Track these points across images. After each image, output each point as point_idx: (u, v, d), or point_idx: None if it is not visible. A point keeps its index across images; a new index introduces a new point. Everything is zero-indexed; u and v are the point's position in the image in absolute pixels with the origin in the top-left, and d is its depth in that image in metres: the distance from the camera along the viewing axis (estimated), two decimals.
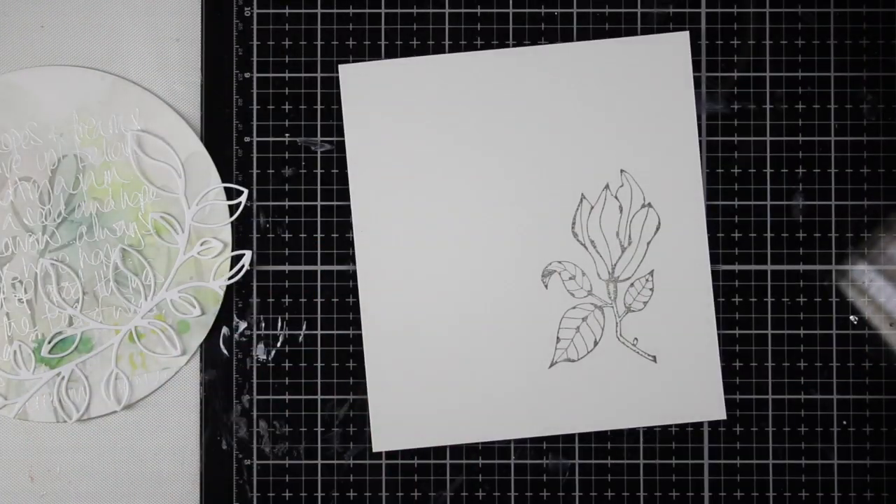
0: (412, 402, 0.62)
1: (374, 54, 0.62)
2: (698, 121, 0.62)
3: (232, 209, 0.61)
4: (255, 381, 0.62)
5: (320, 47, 0.62)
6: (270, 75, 0.62)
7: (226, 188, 0.62)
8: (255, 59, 0.62)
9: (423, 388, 0.62)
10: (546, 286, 0.62)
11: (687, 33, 0.62)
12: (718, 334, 0.62)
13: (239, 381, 0.62)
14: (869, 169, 0.62)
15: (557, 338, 0.62)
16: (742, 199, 0.62)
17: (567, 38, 0.62)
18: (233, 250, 0.62)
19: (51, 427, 0.62)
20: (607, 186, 0.62)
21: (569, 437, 0.62)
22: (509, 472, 0.63)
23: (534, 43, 0.62)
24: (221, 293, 0.61)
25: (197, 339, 0.62)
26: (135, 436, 0.62)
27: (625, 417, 0.62)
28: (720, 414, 0.62)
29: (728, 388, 0.62)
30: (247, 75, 0.62)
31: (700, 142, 0.62)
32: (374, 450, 0.62)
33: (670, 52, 0.62)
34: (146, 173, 0.61)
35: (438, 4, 0.62)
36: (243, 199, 0.61)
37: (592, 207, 0.62)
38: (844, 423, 0.62)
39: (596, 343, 0.62)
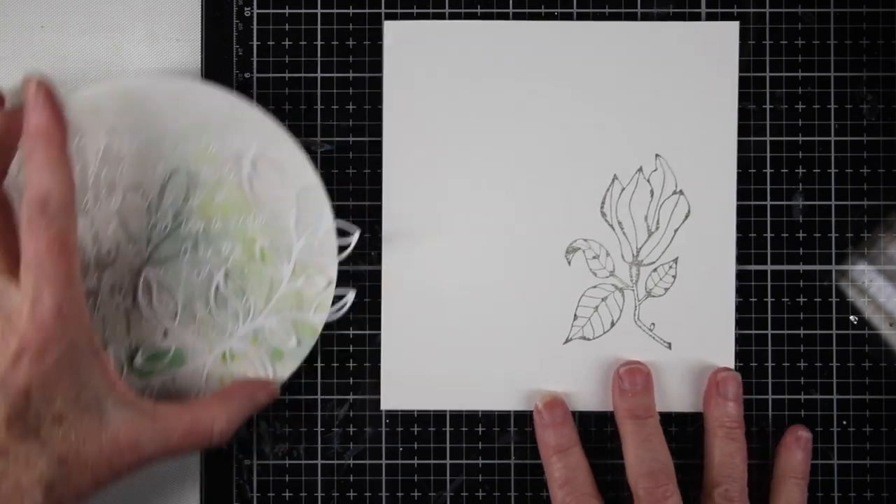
0: (424, 364, 0.62)
1: (374, 54, 0.62)
2: None
3: (341, 248, 0.61)
4: None
5: (320, 47, 0.62)
6: (270, 75, 0.62)
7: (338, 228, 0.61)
8: (255, 59, 0.62)
9: (436, 351, 0.62)
10: (569, 263, 0.62)
11: (737, 24, 0.62)
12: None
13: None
14: (869, 169, 0.62)
15: (575, 315, 0.62)
16: (742, 198, 0.62)
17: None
18: (337, 286, 0.61)
19: None
20: (641, 169, 0.62)
21: None
22: (509, 472, 0.63)
23: (581, 18, 0.63)
24: (320, 328, 0.61)
25: (288, 370, 0.61)
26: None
27: None
28: None
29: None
30: (247, 75, 0.62)
31: None
32: (382, 407, 0.63)
33: (718, 41, 0.62)
34: (258, 198, 0.60)
35: (438, 4, 0.62)
36: (354, 238, 0.61)
37: (624, 189, 0.62)
38: (844, 423, 0.62)
39: (613, 324, 0.62)
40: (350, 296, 0.62)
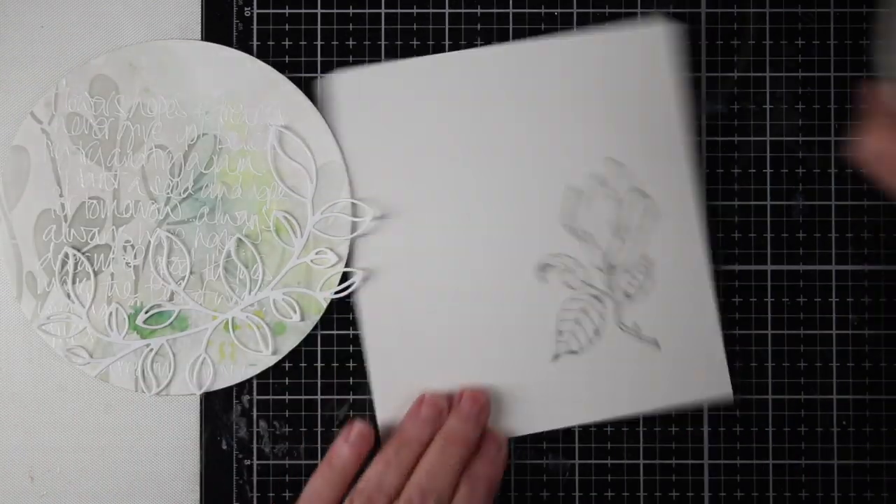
0: (416, 395, 0.62)
1: (375, 54, 0.63)
2: (698, 121, 0.63)
3: (354, 226, 0.62)
4: (254, 381, 0.62)
5: (320, 47, 0.63)
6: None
7: (353, 203, 0.62)
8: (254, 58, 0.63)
9: (426, 383, 0.62)
10: (544, 280, 0.62)
11: (662, 26, 0.63)
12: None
13: (239, 382, 0.62)
14: None
15: (558, 330, 0.62)
16: (742, 199, 0.63)
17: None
18: (346, 266, 0.62)
19: (51, 427, 0.62)
20: (597, 175, 0.63)
21: (569, 437, 0.62)
22: (509, 472, 0.63)
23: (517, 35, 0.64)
24: (324, 304, 0.62)
25: (290, 344, 0.62)
26: (134, 436, 0.62)
27: (632, 403, 0.62)
28: (726, 390, 0.62)
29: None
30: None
31: (700, 142, 0.63)
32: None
33: (651, 42, 0.63)
34: (279, 170, 0.62)
35: (438, 4, 0.62)
36: (368, 218, 0.62)
37: (584, 198, 0.63)
38: (844, 423, 0.62)
39: (597, 332, 0.62)
40: (358, 277, 0.62)
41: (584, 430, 0.62)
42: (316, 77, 0.63)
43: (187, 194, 0.62)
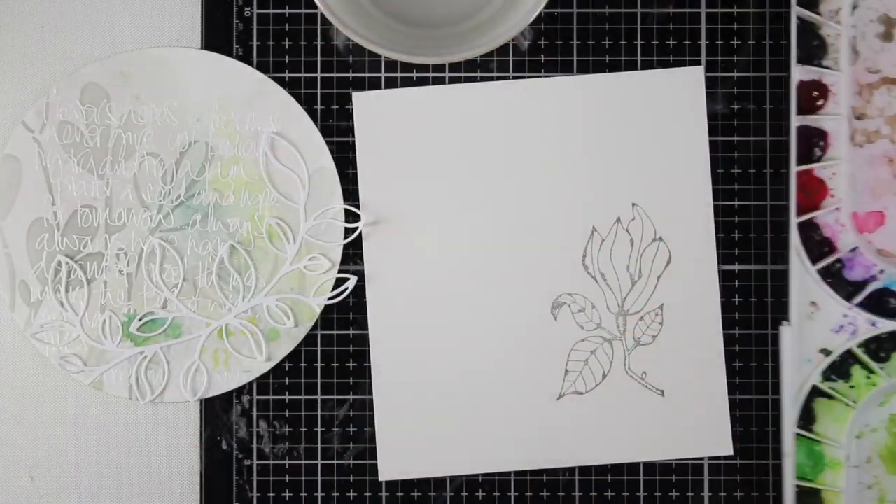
0: (420, 432, 0.62)
1: (374, 54, 0.62)
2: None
3: (347, 232, 0.62)
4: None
5: (320, 47, 0.63)
6: (270, 75, 0.63)
7: (346, 210, 0.62)
8: (255, 59, 0.63)
9: (431, 418, 0.62)
10: (556, 318, 0.62)
11: (701, 68, 0.62)
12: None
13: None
14: None
15: (566, 370, 0.62)
16: (742, 199, 0.62)
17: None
18: (339, 272, 0.62)
19: (51, 427, 0.62)
20: (619, 220, 0.62)
21: None
22: (509, 472, 0.62)
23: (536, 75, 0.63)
24: (318, 311, 0.62)
25: (284, 350, 0.62)
26: (135, 436, 0.63)
27: (631, 451, 0.62)
28: (727, 450, 0.62)
29: (729, 389, 0.62)
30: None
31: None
32: (381, 479, 0.62)
33: (683, 86, 0.62)
34: (271, 176, 0.62)
35: None
36: (361, 224, 0.62)
37: (603, 241, 0.62)
38: None
39: (604, 376, 0.62)
40: (351, 282, 0.62)
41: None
42: (316, 77, 0.62)
43: (179, 202, 0.62)
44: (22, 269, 0.61)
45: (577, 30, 0.63)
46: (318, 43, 0.63)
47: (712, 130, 0.62)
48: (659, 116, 0.62)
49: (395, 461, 0.62)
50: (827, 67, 0.60)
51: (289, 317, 0.61)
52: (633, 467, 0.62)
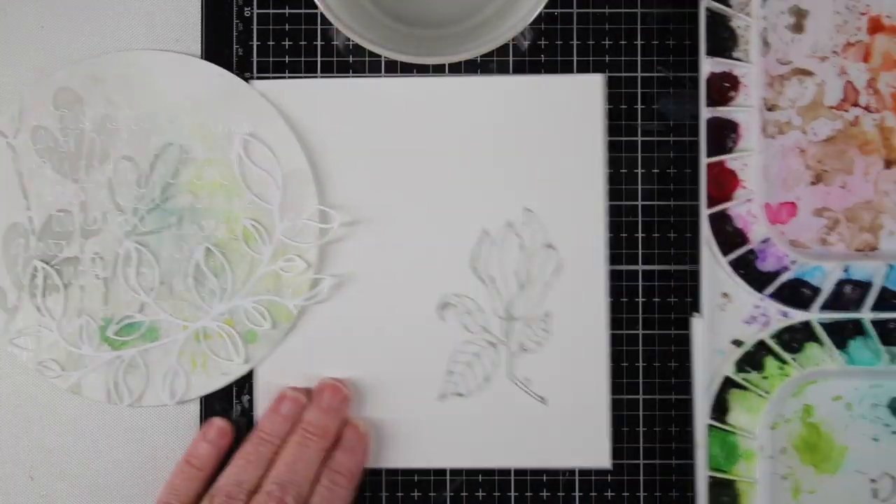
0: None
1: (374, 54, 0.62)
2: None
3: (322, 232, 0.62)
4: (255, 381, 0.63)
5: (320, 47, 0.63)
6: (270, 75, 0.63)
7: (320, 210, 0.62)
8: (255, 59, 0.63)
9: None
10: (442, 318, 0.62)
11: (601, 76, 0.62)
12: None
13: (238, 380, 0.62)
14: None
15: (449, 371, 0.62)
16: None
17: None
18: (315, 273, 0.62)
19: (51, 427, 0.63)
20: (510, 224, 0.62)
21: None
22: (509, 472, 0.62)
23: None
24: (295, 312, 0.62)
25: (262, 352, 0.62)
26: (135, 436, 0.63)
27: (511, 456, 0.62)
28: (605, 462, 0.62)
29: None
30: (247, 75, 0.63)
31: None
32: None
33: (582, 93, 0.62)
34: (246, 178, 0.62)
35: None
36: (336, 224, 0.61)
37: (494, 243, 0.62)
38: None
39: (487, 379, 0.62)
40: (327, 282, 0.62)
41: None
42: (316, 76, 0.62)
43: (155, 205, 0.62)
44: None
45: (577, 30, 0.62)
46: (318, 43, 0.63)
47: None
48: (557, 122, 0.62)
49: None
50: (737, 59, 0.60)
51: (266, 318, 0.61)
52: (633, 467, 0.62)
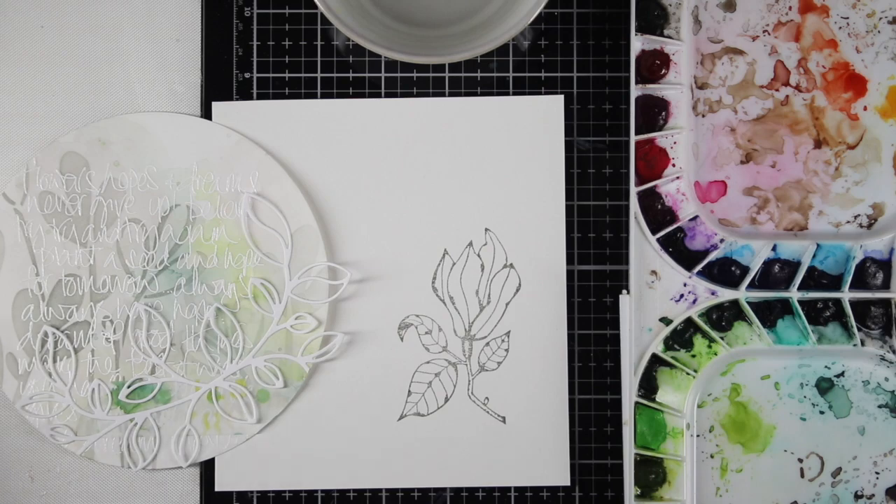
0: (262, 446, 0.62)
1: (374, 54, 0.62)
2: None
3: (332, 289, 0.61)
4: None
5: (320, 47, 0.63)
6: (270, 75, 0.63)
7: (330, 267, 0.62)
8: (255, 59, 0.63)
9: (275, 429, 0.62)
10: (402, 339, 0.62)
11: (562, 97, 0.62)
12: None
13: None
14: None
15: (409, 391, 0.62)
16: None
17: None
18: (326, 330, 0.62)
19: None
20: (471, 244, 0.62)
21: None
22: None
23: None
24: (307, 370, 0.62)
25: (275, 411, 0.62)
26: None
27: (471, 476, 0.62)
28: (564, 480, 0.62)
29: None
30: (247, 75, 0.63)
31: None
32: (217, 489, 0.62)
33: (543, 114, 0.62)
34: (254, 237, 0.62)
35: None
36: (346, 281, 0.61)
37: (454, 264, 0.62)
38: None
39: (447, 399, 0.62)
40: (338, 339, 0.62)
41: (584, 430, 0.63)
42: (316, 77, 0.63)
43: (163, 266, 0.61)
44: (8, 341, 0.61)
45: (577, 30, 0.62)
46: (318, 43, 0.63)
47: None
48: (518, 143, 0.62)
49: (232, 474, 0.62)
50: (668, 37, 0.60)
51: (277, 377, 0.61)
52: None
